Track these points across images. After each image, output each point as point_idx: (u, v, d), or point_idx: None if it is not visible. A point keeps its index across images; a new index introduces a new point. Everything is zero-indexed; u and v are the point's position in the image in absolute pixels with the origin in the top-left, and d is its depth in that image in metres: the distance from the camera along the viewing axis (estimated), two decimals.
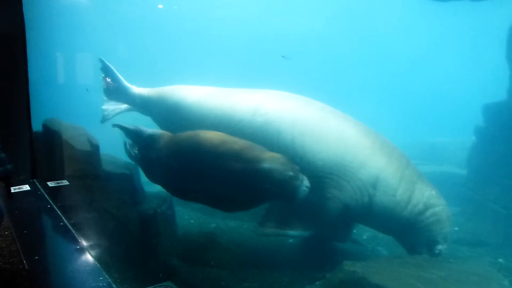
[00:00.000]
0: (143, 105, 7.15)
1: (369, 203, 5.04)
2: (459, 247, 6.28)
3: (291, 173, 4.48)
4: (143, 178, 6.30)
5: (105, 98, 7.56)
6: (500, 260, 6.01)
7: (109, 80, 7.49)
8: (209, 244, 5.52)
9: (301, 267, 5.49)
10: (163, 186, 5.52)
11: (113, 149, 6.84)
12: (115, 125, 5.62)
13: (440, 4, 11.20)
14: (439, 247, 5.11)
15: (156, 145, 5.18)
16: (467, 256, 5.34)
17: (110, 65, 7.47)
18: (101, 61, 7.50)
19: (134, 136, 5.46)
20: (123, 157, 6.58)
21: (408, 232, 5.15)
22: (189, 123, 5.89)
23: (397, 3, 20.35)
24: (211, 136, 4.87)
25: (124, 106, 7.63)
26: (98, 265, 3.52)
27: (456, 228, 6.53)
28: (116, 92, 7.43)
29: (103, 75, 7.54)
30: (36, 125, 6.48)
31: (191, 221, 7.10)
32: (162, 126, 6.64)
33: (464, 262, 4.75)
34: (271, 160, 4.55)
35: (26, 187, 5.59)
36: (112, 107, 7.51)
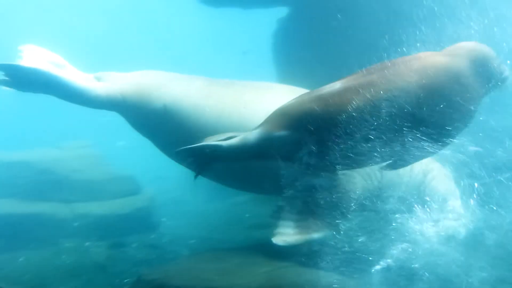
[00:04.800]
0: (122, 112, 5.17)
1: (378, 184, 4.79)
2: (253, 232, 6.67)
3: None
4: None
5: None
6: None
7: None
8: None
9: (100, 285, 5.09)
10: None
11: None
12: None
13: (215, 10, 11.95)
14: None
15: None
16: (261, 239, 5.71)
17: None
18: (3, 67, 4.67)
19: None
20: None
21: None
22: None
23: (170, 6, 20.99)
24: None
25: None
26: None
27: (247, 215, 6.96)
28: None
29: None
30: None
31: None
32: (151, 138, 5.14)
33: (259, 246, 5.06)
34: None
35: None
36: None
